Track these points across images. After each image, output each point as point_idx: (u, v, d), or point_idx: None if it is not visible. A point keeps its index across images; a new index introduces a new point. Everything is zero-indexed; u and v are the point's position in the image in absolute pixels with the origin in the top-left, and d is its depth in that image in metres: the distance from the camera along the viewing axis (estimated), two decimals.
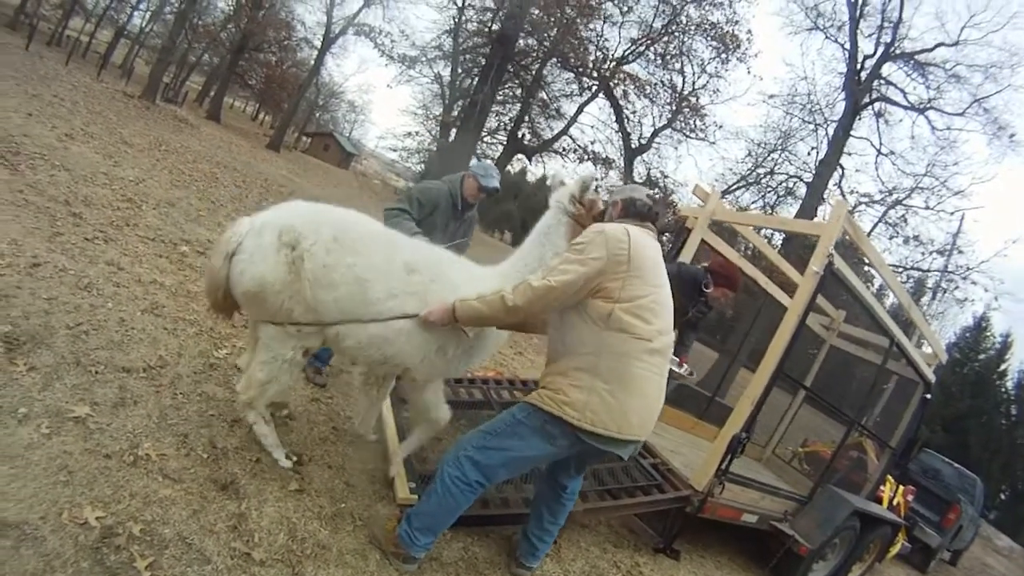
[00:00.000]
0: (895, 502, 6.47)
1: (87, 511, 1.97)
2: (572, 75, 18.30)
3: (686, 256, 5.13)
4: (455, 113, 20.69)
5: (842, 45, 17.34)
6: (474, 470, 2.32)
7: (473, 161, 3.96)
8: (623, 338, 2.17)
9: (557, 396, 2.21)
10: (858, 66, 16.81)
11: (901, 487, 6.75)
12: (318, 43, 31.12)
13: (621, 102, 17.84)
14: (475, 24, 19.15)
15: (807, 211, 16.08)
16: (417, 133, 34.61)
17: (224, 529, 2.21)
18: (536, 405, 2.28)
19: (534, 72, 18.26)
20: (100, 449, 2.30)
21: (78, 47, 28.22)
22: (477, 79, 18.30)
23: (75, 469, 2.14)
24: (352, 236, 2.55)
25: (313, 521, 2.49)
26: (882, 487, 6.10)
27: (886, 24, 16.59)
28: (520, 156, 19.74)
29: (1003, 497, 27.47)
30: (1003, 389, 28.14)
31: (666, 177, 19.08)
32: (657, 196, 2.73)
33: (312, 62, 33.44)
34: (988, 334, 29.13)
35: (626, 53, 17.91)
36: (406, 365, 2.72)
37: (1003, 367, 28.55)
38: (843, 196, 17.11)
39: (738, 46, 17.28)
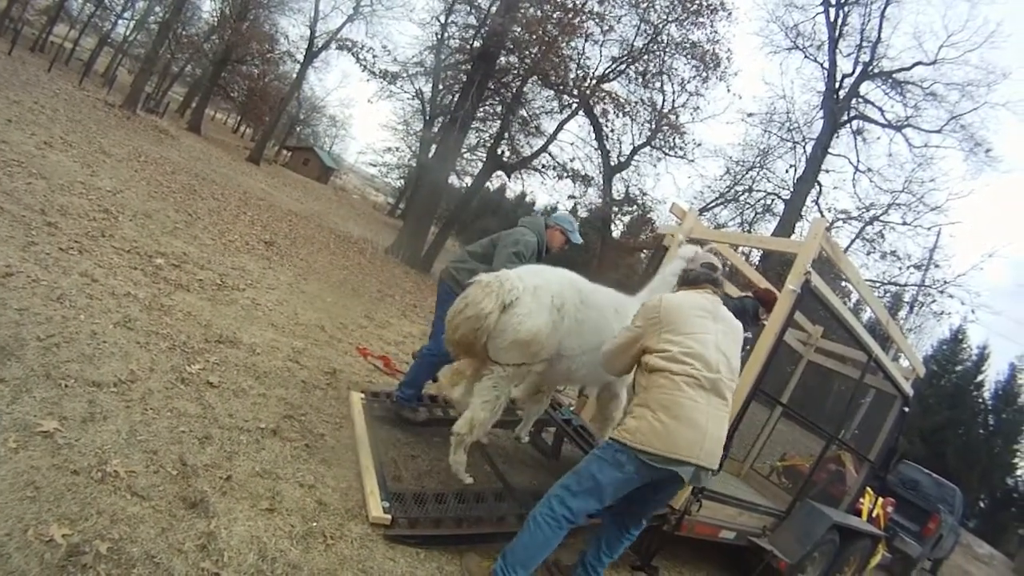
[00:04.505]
0: (874, 514, 6.50)
1: (53, 528, 1.93)
2: (552, 93, 18.23)
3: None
4: (435, 129, 20.67)
5: (821, 64, 17.72)
6: (560, 505, 2.67)
7: (558, 213, 4.39)
8: (662, 375, 2.65)
9: (620, 427, 2.70)
10: (837, 85, 17.14)
11: (880, 499, 6.79)
12: (301, 57, 31.06)
13: (601, 120, 17.80)
14: (457, 41, 19.13)
15: (785, 228, 16.30)
16: (397, 149, 34.63)
17: (193, 548, 2.17)
18: (610, 438, 2.72)
19: (515, 89, 18.22)
20: (68, 465, 2.26)
21: (61, 54, 27.97)
22: (458, 96, 18.24)
23: (42, 485, 2.10)
24: (588, 295, 3.35)
25: (284, 540, 2.45)
26: (861, 500, 6.14)
27: (865, 43, 16.98)
28: (499, 173, 19.70)
29: (982, 505, 27.88)
30: (980, 400, 28.61)
31: (645, 195, 18.98)
32: (714, 261, 3.57)
33: (294, 75, 33.44)
34: (965, 346, 29.64)
35: (607, 71, 17.94)
36: (609, 380, 3.70)
37: (980, 378, 29.09)
38: (821, 213, 17.35)
39: (718, 65, 17.38)
